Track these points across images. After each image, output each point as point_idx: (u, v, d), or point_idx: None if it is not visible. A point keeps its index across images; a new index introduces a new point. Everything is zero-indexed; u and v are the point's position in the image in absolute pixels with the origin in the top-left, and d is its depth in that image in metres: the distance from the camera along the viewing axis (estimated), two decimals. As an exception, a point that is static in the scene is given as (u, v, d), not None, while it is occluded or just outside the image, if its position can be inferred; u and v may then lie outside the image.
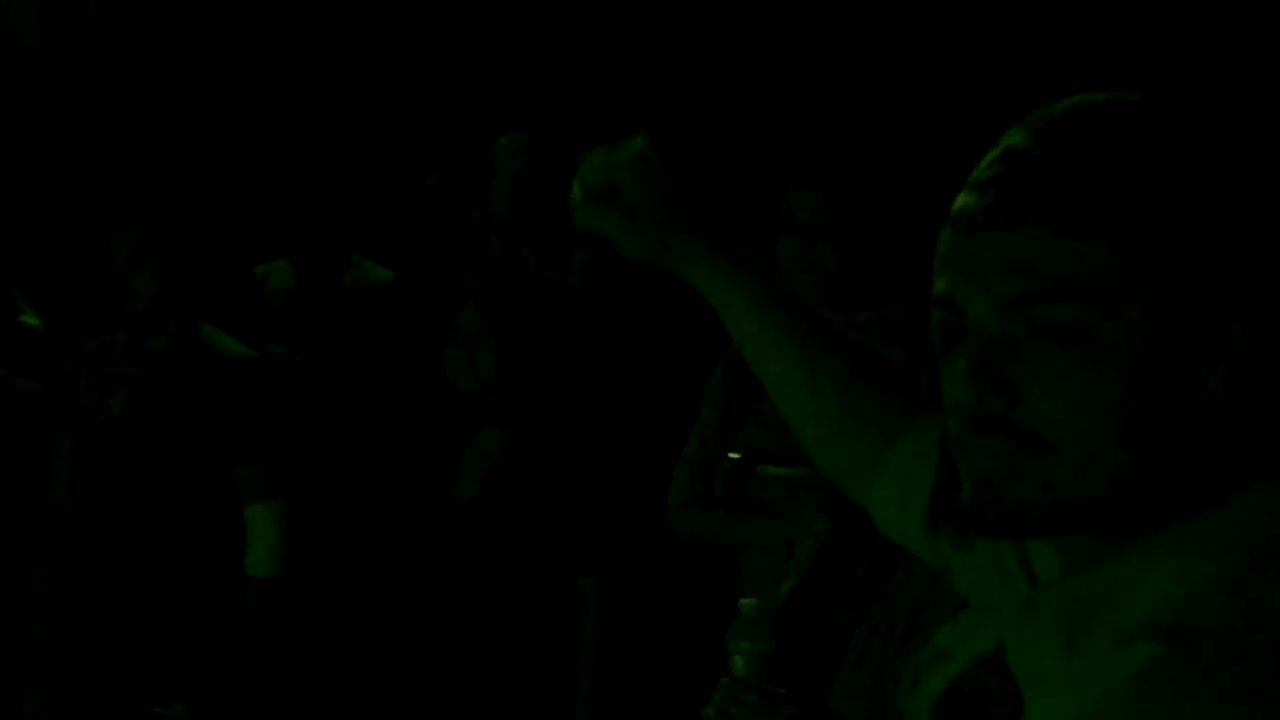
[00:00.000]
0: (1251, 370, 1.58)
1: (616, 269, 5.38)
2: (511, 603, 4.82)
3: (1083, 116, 1.60)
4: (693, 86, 7.50)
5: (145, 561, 5.05)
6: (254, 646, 4.99)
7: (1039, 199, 1.55)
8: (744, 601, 3.40)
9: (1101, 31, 6.61)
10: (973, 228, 1.59)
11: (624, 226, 2.13)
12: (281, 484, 5.04)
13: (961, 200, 1.62)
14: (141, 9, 8.15)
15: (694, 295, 2.17)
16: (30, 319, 6.40)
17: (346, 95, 8.02)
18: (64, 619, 5.19)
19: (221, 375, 5.08)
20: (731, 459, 4.29)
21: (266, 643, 5.01)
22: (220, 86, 8.23)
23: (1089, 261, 1.53)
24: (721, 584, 4.40)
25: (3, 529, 5.30)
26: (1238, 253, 1.56)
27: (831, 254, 4.47)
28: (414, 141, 7.31)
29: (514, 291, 4.90)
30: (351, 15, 8.16)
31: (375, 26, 8.15)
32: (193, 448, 5.03)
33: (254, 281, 6.53)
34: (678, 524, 4.50)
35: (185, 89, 8.24)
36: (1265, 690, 1.44)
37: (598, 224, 2.15)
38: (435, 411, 5.15)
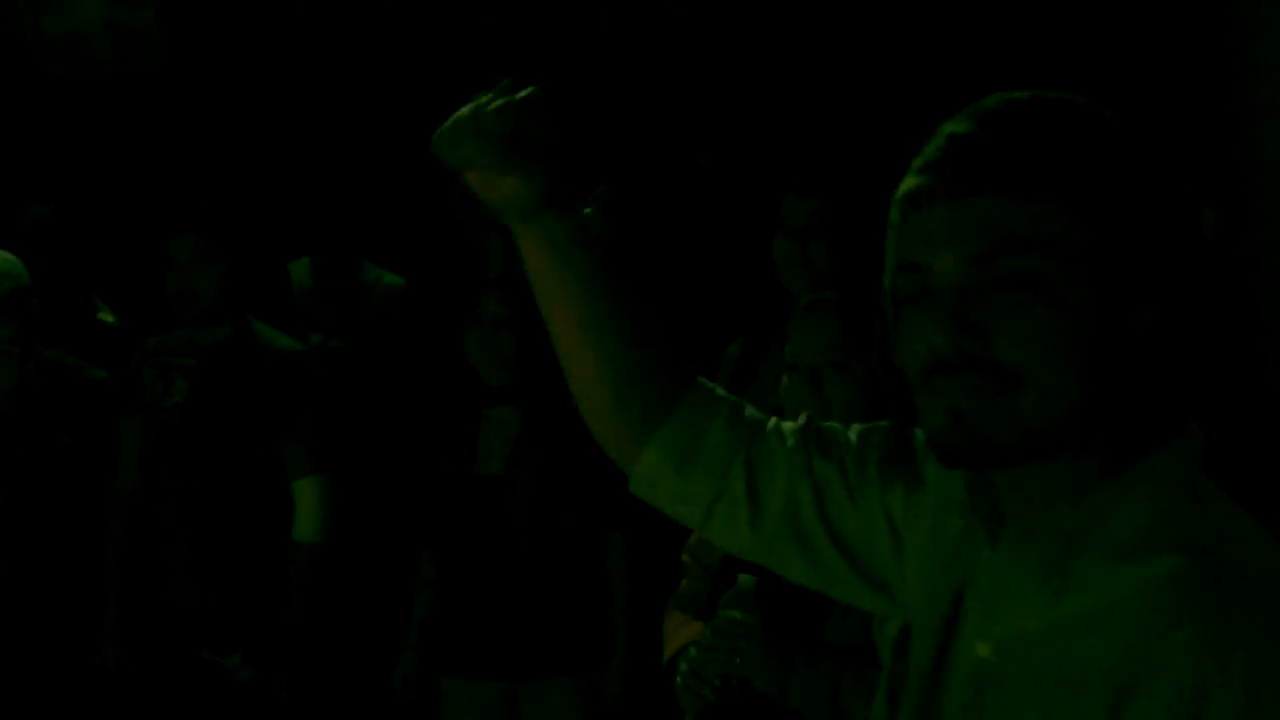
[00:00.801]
0: (1177, 311, 1.67)
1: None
2: (542, 561, 4.79)
3: (1017, 107, 1.68)
4: (703, 99, 7.55)
5: (205, 531, 5.05)
6: (301, 604, 4.99)
7: (994, 171, 1.63)
8: (743, 577, 3.35)
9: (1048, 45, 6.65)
10: (933, 199, 1.67)
11: (519, 167, 2.00)
12: (324, 460, 5.02)
13: (912, 182, 1.71)
14: (199, 47, 8.10)
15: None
16: (106, 316, 6.44)
17: (364, 124, 8.02)
18: (136, 582, 5.18)
19: (271, 365, 5.08)
20: None
21: (312, 601, 5.01)
22: (260, 112, 8.28)
23: (1042, 220, 1.61)
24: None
25: (78, 505, 5.25)
26: (1158, 213, 1.66)
27: (825, 253, 4.49)
28: (423, 157, 7.26)
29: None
30: (371, 49, 8.17)
31: (393, 58, 8.16)
32: (246, 430, 5.03)
33: (289, 280, 6.57)
34: None
35: (232, 113, 8.31)
36: (1255, 573, 1.57)
37: (500, 183, 2.04)
38: (454, 393, 5.09)
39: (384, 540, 5.55)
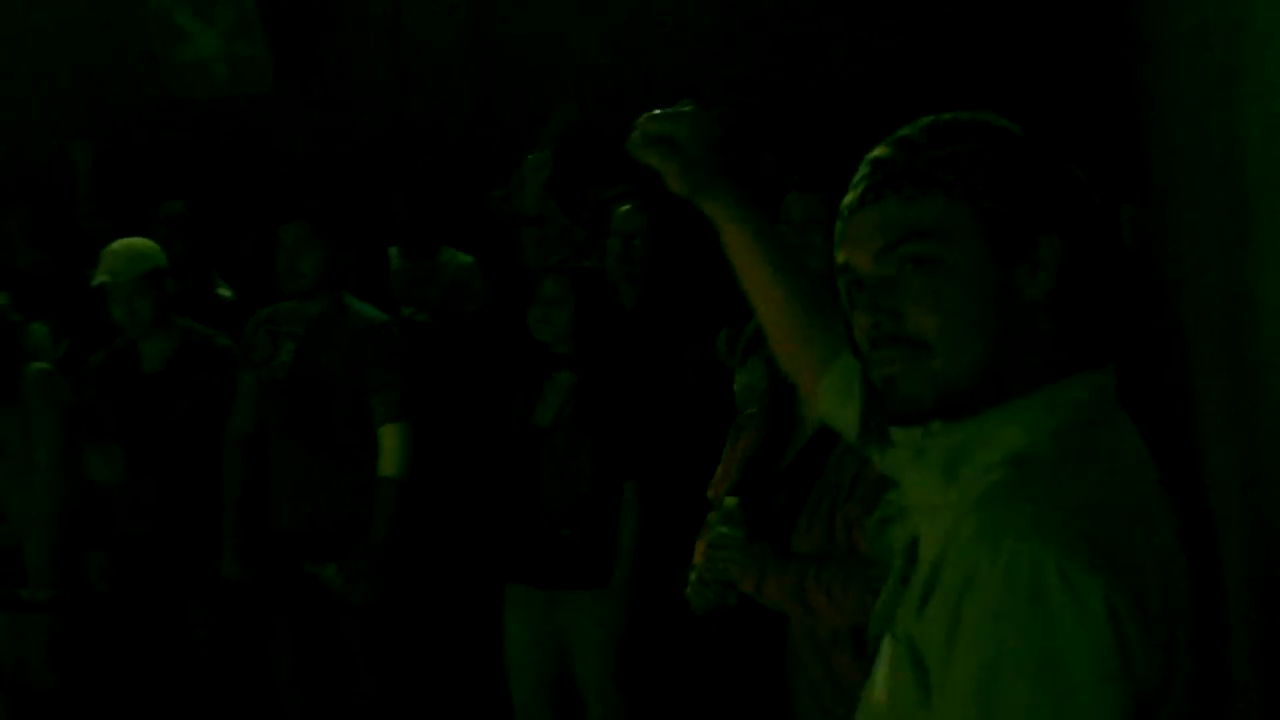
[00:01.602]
0: (1063, 279, 1.68)
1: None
2: (575, 499, 4.79)
3: (923, 127, 1.72)
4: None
5: (306, 466, 5.09)
6: (384, 526, 4.99)
7: (892, 179, 1.68)
8: (729, 499, 3.43)
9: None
10: (852, 211, 1.73)
11: (675, 165, 2.15)
12: (405, 409, 5.02)
13: (846, 199, 1.75)
14: (301, 72, 8.18)
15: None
16: (224, 291, 6.49)
17: (438, 137, 8.02)
18: (249, 508, 5.22)
19: (360, 332, 5.09)
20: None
21: (394, 525, 5.02)
22: (355, 123, 8.25)
23: (931, 211, 1.66)
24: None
25: (207, 446, 5.29)
26: (1032, 191, 1.67)
27: (822, 243, 4.44)
28: (486, 164, 7.33)
29: (584, 271, 4.90)
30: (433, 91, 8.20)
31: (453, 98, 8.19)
32: (340, 384, 5.04)
33: (387, 264, 6.55)
34: None
35: (331, 125, 8.26)
36: (1059, 492, 1.57)
37: (655, 162, 2.17)
38: (518, 358, 5.11)
39: (455, 478, 5.51)
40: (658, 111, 2.18)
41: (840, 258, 1.75)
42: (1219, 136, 2.48)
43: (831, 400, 2.14)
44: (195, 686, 5.44)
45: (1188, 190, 3.04)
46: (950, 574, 1.57)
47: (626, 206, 5.50)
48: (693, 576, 3.51)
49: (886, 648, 1.79)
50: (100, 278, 5.20)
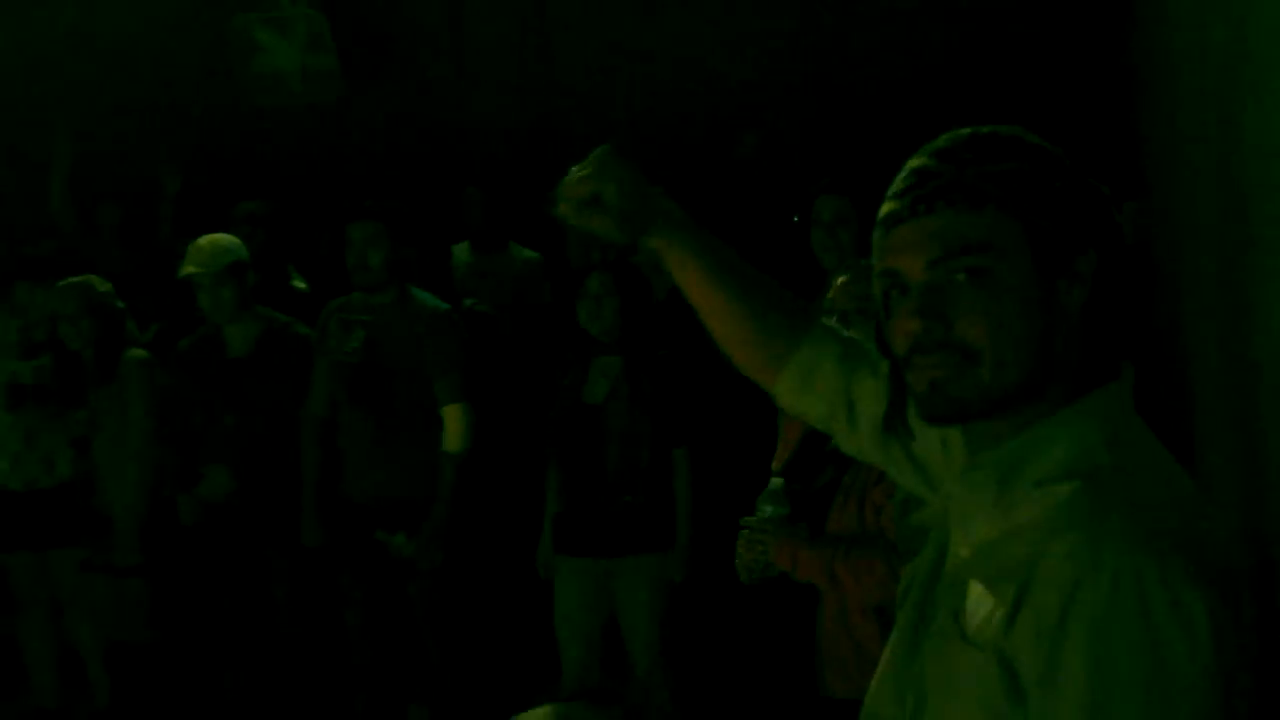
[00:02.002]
0: (1096, 292, 1.65)
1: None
2: (628, 469, 4.82)
3: (960, 140, 1.67)
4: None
5: (376, 443, 5.11)
6: (448, 498, 4.99)
7: (944, 191, 1.63)
8: (774, 480, 3.46)
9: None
10: (900, 220, 1.67)
11: (610, 222, 2.08)
12: (466, 391, 5.02)
13: (886, 207, 1.70)
14: (369, 82, 8.23)
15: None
16: (299, 284, 6.50)
17: (500, 141, 8.02)
18: (325, 481, 5.24)
19: (424, 320, 5.10)
20: None
21: (456, 497, 5.02)
22: (418, 128, 8.27)
23: (985, 226, 1.62)
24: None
25: (286, 424, 5.30)
26: (1075, 213, 1.64)
27: (851, 240, 4.50)
28: (545, 165, 7.31)
29: (625, 267, 4.92)
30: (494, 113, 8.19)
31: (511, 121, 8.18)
32: (406, 368, 5.05)
33: (450, 259, 6.55)
34: None
35: (396, 131, 8.29)
36: (1139, 500, 1.54)
37: (588, 225, 2.10)
38: (569, 344, 5.12)
39: (514, 453, 5.51)
40: (574, 173, 2.09)
41: (885, 264, 1.71)
42: (1216, 136, 2.46)
43: (791, 394, 2.11)
44: (275, 642, 5.50)
45: (1186, 187, 3.02)
46: (1046, 590, 1.54)
47: (658, 189, 5.54)
48: (739, 549, 3.52)
49: (947, 648, 1.75)
50: (188, 269, 5.22)
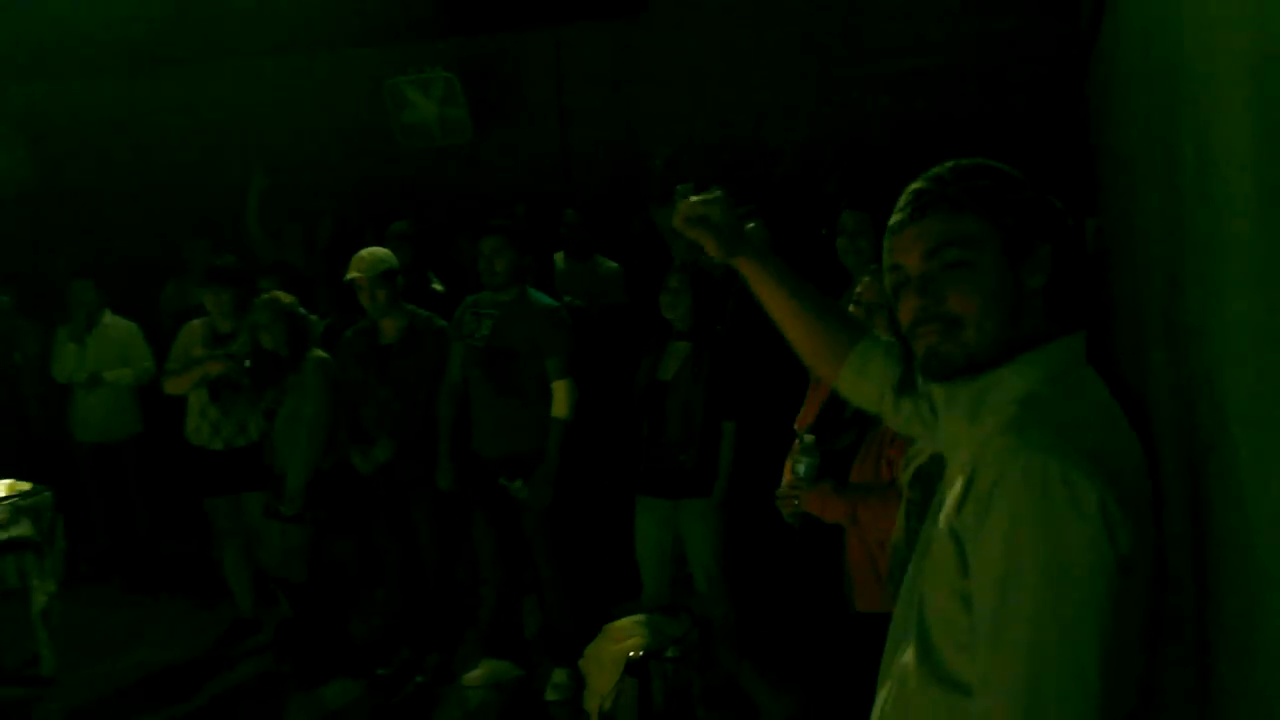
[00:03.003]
0: (1052, 275, 1.72)
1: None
2: (689, 432, 4.83)
3: (950, 167, 1.76)
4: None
5: (500, 409, 5.11)
6: (555, 453, 5.01)
7: (933, 202, 1.74)
8: (806, 435, 3.44)
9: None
10: (902, 226, 1.77)
11: (711, 237, 2.18)
12: (570, 369, 5.04)
13: (893, 219, 1.80)
14: (491, 129, 8.30)
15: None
16: (437, 286, 6.50)
17: (592, 174, 8.05)
18: (458, 438, 5.27)
19: (538, 313, 5.11)
20: None
21: (562, 452, 5.04)
22: (529, 164, 8.28)
23: (964, 226, 1.71)
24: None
25: (427, 396, 5.35)
26: (1031, 213, 1.72)
27: (869, 247, 4.43)
28: (626, 195, 7.37)
29: (698, 269, 4.92)
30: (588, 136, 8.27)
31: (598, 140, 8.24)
32: (524, 351, 5.06)
33: (553, 266, 6.55)
34: None
35: (512, 166, 8.28)
36: (1060, 419, 1.62)
37: (695, 235, 2.20)
38: (649, 333, 5.14)
39: (603, 418, 5.46)
40: (694, 199, 2.18)
41: (891, 260, 1.79)
42: (1159, 166, 2.50)
43: (849, 383, 2.15)
44: (419, 570, 5.55)
45: (1137, 207, 3.02)
46: (982, 479, 1.61)
47: (753, 225, 5.54)
48: (779, 492, 3.52)
49: (928, 539, 1.81)
50: (351, 274, 5.27)
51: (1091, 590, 1.48)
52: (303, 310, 5.57)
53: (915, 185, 1.78)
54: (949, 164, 1.77)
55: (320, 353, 5.54)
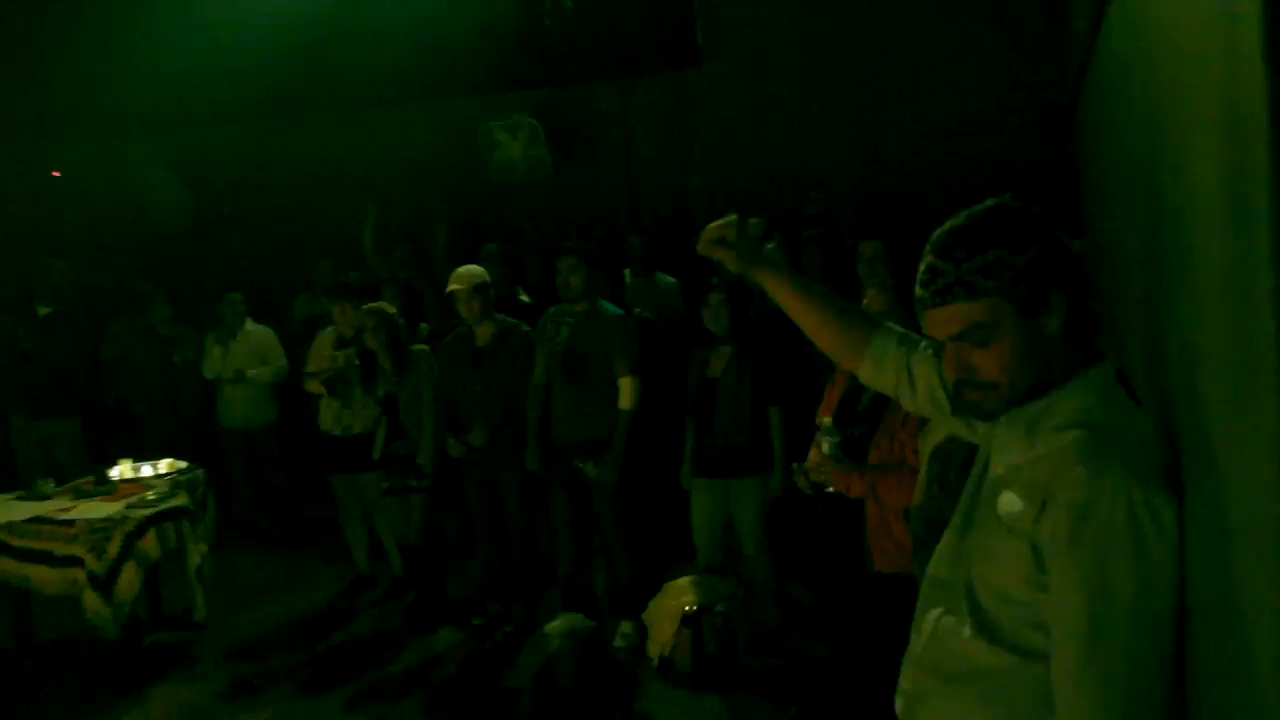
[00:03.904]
0: (1067, 320, 1.66)
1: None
2: (738, 420, 4.78)
3: (955, 235, 1.66)
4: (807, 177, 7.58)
5: (576, 401, 5.10)
6: (622, 439, 4.98)
7: (950, 289, 1.65)
8: (826, 420, 3.42)
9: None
10: (927, 308, 1.69)
11: (730, 255, 2.13)
12: (635, 368, 4.99)
13: (917, 293, 1.72)
14: (571, 168, 8.31)
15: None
16: (523, 297, 6.51)
17: (657, 203, 8.03)
18: (542, 427, 5.26)
19: (608, 321, 5.08)
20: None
21: (628, 438, 5.00)
22: (601, 197, 8.29)
23: (982, 309, 1.64)
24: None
25: (516, 392, 5.31)
26: (1043, 267, 1.63)
27: (885, 270, 4.38)
28: (685, 222, 7.36)
29: (735, 287, 4.88)
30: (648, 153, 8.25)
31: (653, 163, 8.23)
32: (596, 353, 5.04)
33: (623, 281, 6.53)
34: None
35: (586, 198, 8.29)
36: (1127, 439, 1.57)
37: (716, 254, 2.14)
38: (695, 339, 5.11)
39: (663, 409, 5.44)
40: (713, 224, 2.13)
41: (928, 332, 1.73)
42: (1138, 195, 2.45)
43: (869, 372, 2.09)
44: (507, 538, 5.52)
45: (1117, 228, 2.97)
46: (1065, 500, 1.55)
47: (770, 244, 5.54)
48: (807, 466, 3.49)
49: (967, 522, 1.79)
50: (451, 287, 5.26)
51: (1171, 590, 1.49)
52: (401, 319, 5.57)
53: (929, 260, 1.69)
54: (957, 224, 1.68)
55: (422, 346, 5.53)
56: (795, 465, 3.52)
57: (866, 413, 3.50)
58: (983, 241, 1.63)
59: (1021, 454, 1.66)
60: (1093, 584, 1.51)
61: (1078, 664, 1.54)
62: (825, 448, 3.37)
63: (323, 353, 5.93)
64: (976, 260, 1.62)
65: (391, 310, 5.52)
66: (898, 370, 2.04)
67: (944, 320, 1.67)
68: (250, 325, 7.19)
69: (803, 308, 2.12)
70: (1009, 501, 1.66)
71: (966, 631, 1.73)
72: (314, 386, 5.90)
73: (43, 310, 6.79)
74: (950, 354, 1.69)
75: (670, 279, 6.65)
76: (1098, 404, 1.62)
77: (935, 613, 1.82)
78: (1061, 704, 1.57)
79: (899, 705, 1.88)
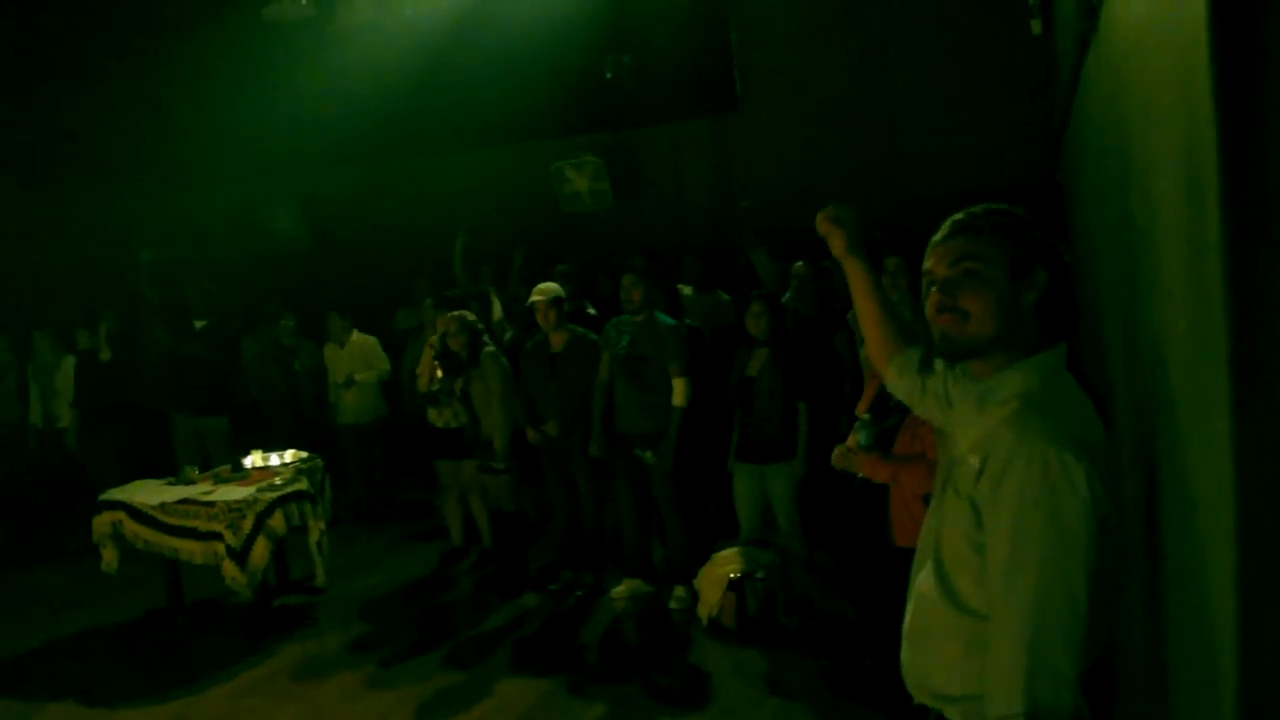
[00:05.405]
0: (1044, 296, 1.65)
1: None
2: (771, 413, 4.75)
3: (984, 207, 1.69)
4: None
5: (636, 397, 5.08)
6: (675, 431, 4.95)
7: (961, 229, 1.67)
8: (863, 415, 3.40)
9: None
10: (937, 244, 1.69)
11: (841, 236, 2.05)
12: (687, 369, 4.96)
13: (933, 239, 1.72)
14: (626, 197, 8.16)
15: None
16: (591, 310, 6.39)
17: (706, 229, 8.02)
18: (607, 419, 5.23)
19: (663, 330, 5.03)
20: None
21: (681, 430, 4.98)
22: (656, 222, 8.21)
23: (981, 246, 1.64)
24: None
25: (585, 390, 5.25)
26: (1033, 244, 1.64)
27: (906, 285, 4.40)
28: (731, 245, 7.32)
29: (772, 298, 4.87)
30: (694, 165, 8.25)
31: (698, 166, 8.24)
32: (653, 357, 5.01)
33: (679, 295, 6.46)
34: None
35: (643, 223, 8.21)
36: (1055, 412, 1.56)
37: (828, 233, 2.07)
38: (738, 343, 5.08)
39: (711, 406, 5.36)
40: (833, 206, 2.08)
41: (926, 266, 1.71)
42: (1113, 213, 2.44)
43: (893, 378, 2.06)
44: (579, 516, 5.49)
45: (1097, 245, 2.95)
46: (995, 461, 1.56)
47: (800, 263, 5.54)
48: (842, 451, 3.50)
49: (941, 491, 1.77)
50: (532, 299, 5.26)
51: (1081, 544, 1.45)
52: (480, 325, 5.58)
53: (953, 217, 1.71)
54: (979, 207, 1.70)
55: (492, 347, 5.52)
56: (837, 448, 3.49)
57: (898, 406, 3.45)
58: (1000, 213, 1.66)
59: (975, 426, 1.65)
60: (1009, 532, 1.51)
61: (999, 607, 1.53)
62: (861, 438, 3.31)
63: (426, 358, 5.98)
64: (993, 217, 1.65)
65: (471, 318, 5.51)
66: (913, 382, 2.03)
67: (946, 250, 1.66)
68: (356, 335, 7.22)
69: (868, 303, 2.09)
70: (969, 467, 1.64)
71: (934, 594, 1.72)
72: (422, 384, 5.87)
73: (199, 323, 6.90)
74: (940, 283, 1.66)
75: (727, 296, 6.58)
76: (1039, 382, 1.60)
77: (920, 576, 1.80)
78: (992, 638, 1.56)
79: (904, 657, 1.87)
